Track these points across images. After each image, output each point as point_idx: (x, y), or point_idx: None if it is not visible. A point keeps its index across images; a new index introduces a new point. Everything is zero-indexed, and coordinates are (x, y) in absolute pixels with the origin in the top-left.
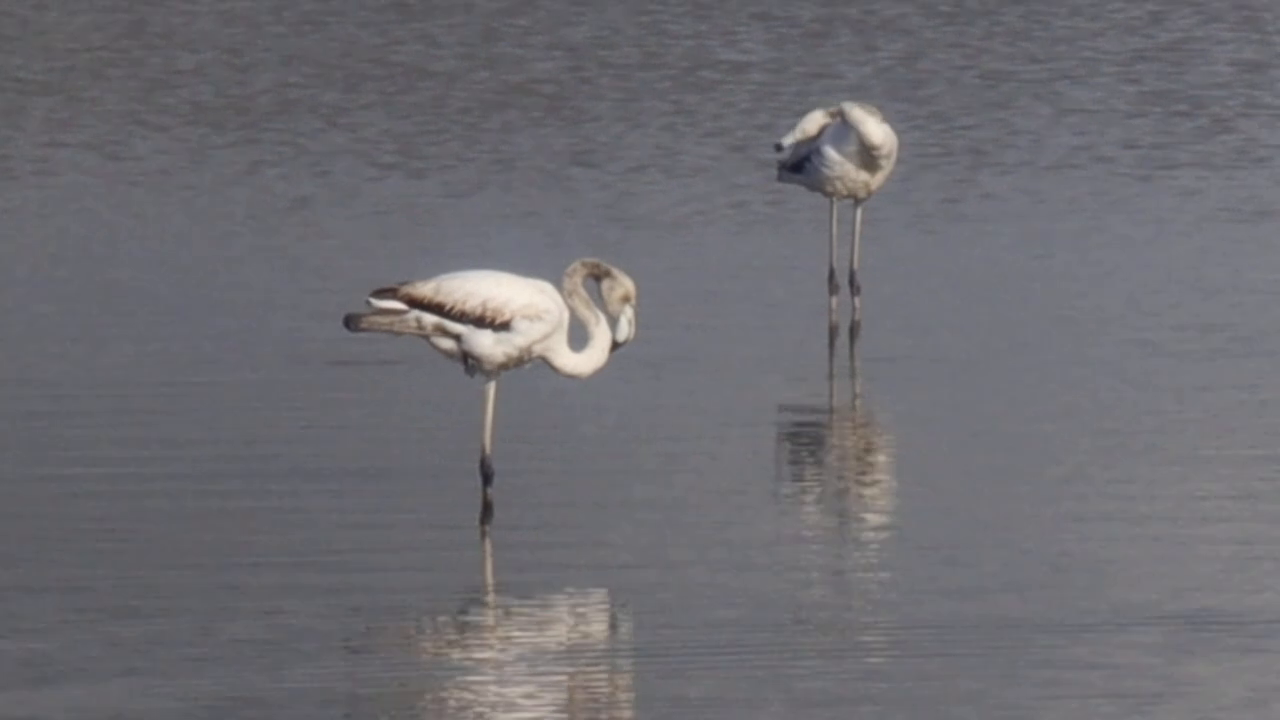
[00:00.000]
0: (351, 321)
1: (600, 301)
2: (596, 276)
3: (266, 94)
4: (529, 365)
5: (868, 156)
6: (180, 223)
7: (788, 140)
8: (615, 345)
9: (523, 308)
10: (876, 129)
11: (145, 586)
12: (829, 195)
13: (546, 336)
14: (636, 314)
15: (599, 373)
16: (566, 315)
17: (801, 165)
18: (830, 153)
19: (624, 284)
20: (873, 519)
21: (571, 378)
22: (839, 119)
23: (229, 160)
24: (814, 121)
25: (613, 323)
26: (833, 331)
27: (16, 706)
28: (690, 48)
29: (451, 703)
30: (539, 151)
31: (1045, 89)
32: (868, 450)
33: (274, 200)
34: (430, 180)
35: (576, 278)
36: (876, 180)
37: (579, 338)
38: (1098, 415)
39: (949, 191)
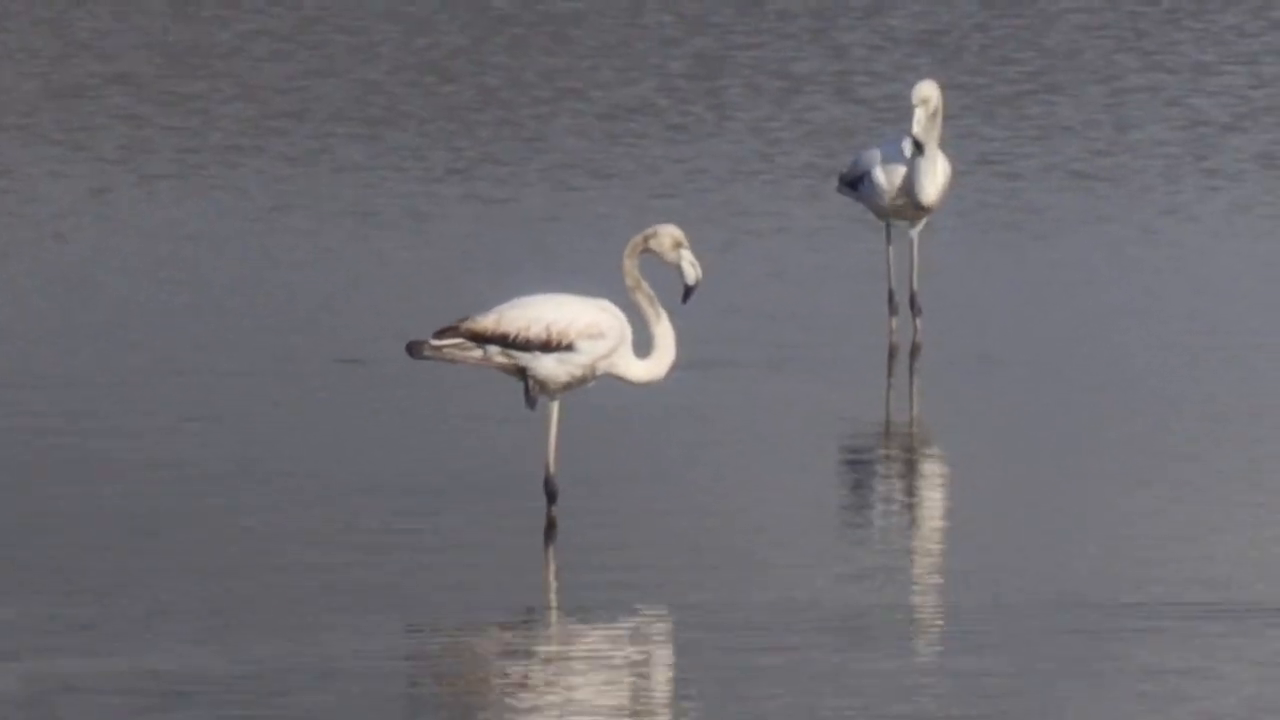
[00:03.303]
0: (414, 350)
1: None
2: (645, 250)
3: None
4: (592, 383)
5: (915, 202)
6: (278, 232)
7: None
8: (688, 291)
9: (585, 328)
10: (932, 187)
11: (191, 589)
12: (881, 217)
13: (610, 353)
14: (693, 254)
15: (671, 373)
16: (629, 330)
17: (856, 183)
18: (879, 180)
19: (668, 233)
20: (929, 523)
21: (645, 385)
22: (903, 141)
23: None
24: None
25: (678, 272)
26: (892, 352)
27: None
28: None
29: (508, 709)
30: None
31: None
32: (925, 457)
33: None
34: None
35: (633, 270)
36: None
37: (641, 342)
38: (1153, 416)
39: (1009, 201)
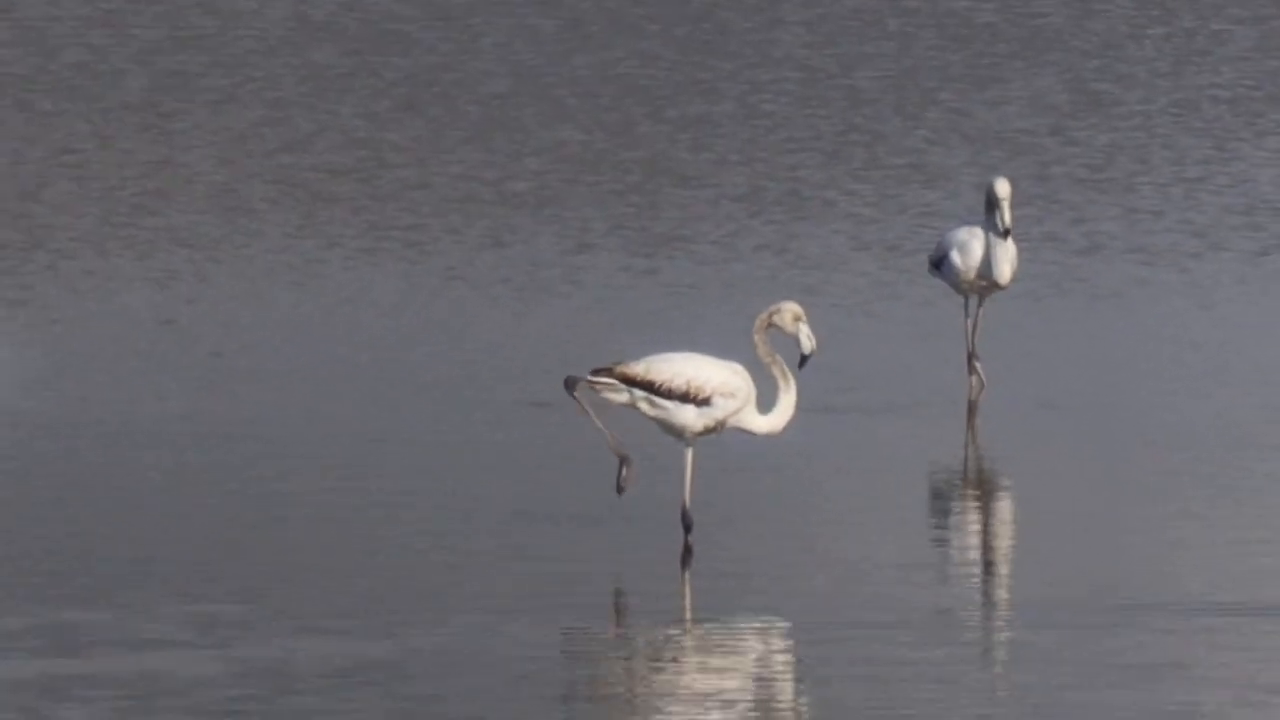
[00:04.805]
0: (570, 384)
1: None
2: (769, 324)
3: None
4: (720, 432)
5: (991, 282)
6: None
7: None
8: (804, 359)
9: (720, 386)
10: (1008, 268)
11: (361, 612)
12: (961, 294)
13: (739, 410)
14: (810, 327)
15: (788, 428)
16: (754, 391)
17: (940, 263)
18: (956, 262)
19: (789, 308)
20: (1000, 540)
21: (767, 437)
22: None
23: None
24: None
25: (797, 342)
26: (971, 406)
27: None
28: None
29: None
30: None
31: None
32: (997, 489)
33: (517, 271)
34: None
35: (764, 343)
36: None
37: (765, 400)
38: (1209, 463)
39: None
